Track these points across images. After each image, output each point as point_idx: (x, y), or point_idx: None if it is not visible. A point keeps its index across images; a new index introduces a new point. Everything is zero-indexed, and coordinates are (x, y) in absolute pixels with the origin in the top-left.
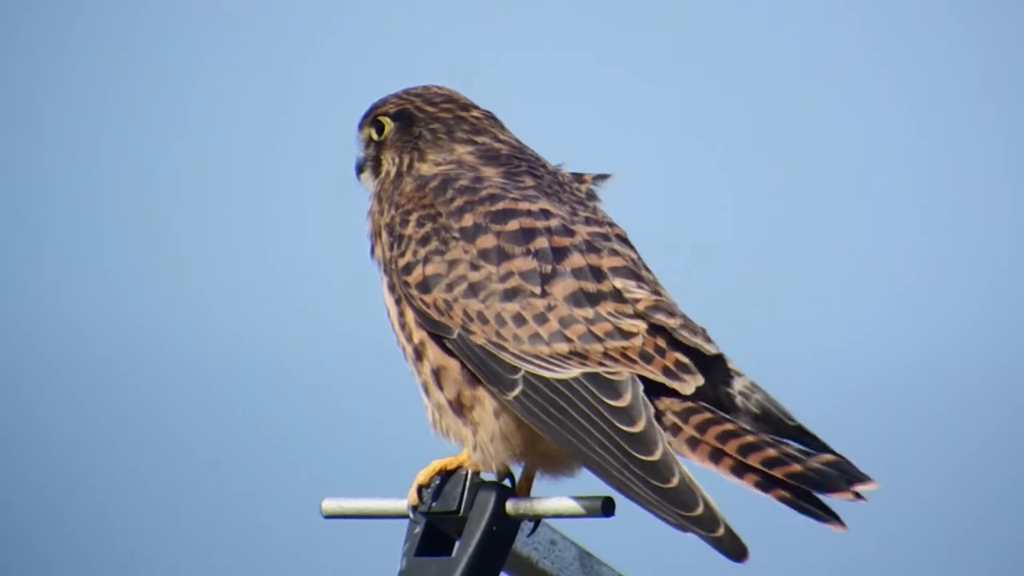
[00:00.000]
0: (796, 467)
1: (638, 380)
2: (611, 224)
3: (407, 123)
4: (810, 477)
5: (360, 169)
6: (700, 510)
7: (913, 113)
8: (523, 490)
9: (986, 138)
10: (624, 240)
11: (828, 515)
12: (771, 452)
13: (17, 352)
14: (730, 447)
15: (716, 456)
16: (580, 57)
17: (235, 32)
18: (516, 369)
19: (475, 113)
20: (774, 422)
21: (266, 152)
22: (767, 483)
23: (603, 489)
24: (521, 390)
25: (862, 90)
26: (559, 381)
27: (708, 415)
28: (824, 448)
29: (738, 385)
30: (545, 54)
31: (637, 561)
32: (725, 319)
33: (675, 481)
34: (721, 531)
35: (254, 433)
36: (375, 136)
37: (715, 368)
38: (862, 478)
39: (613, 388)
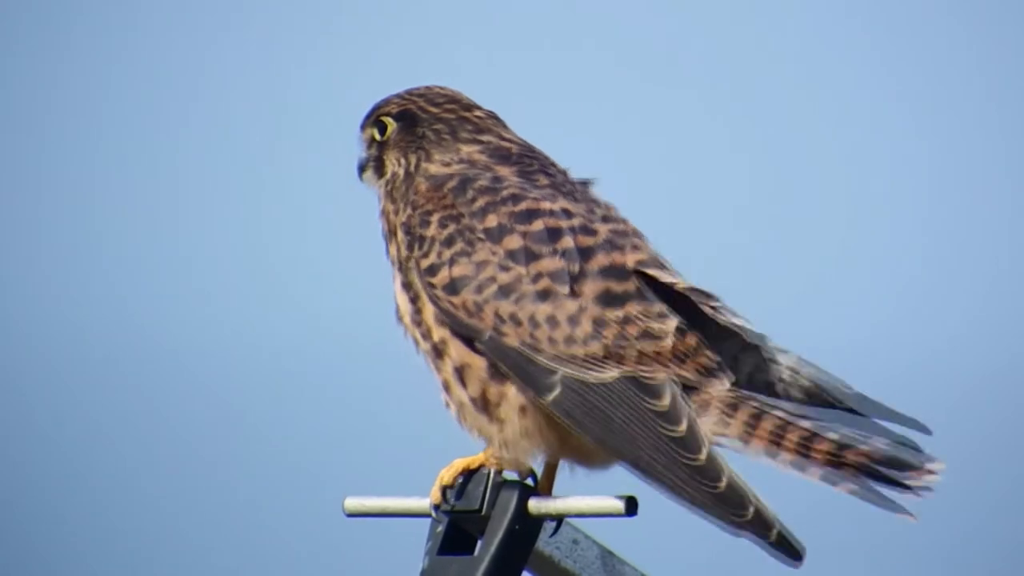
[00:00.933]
0: (864, 450)
1: (675, 381)
2: (625, 221)
3: (410, 123)
4: (876, 459)
5: (362, 169)
6: (751, 512)
7: (916, 113)
8: (544, 489)
9: (987, 138)
10: (640, 236)
11: (894, 505)
12: (832, 438)
13: (17, 352)
14: (789, 438)
15: (772, 451)
16: (579, 57)
17: (235, 31)
18: (553, 372)
19: (478, 113)
20: (831, 395)
21: (267, 152)
22: (834, 475)
23: (627, 487)
24: (560, 392)
25: (864, 90)
26: (599, 384)
27: (754, 408)
28: (890, 413)
29: (785, 361)
30: (545, 54)
31: (660, 560)
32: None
33: (723, 483)
34: (775, 533)
35: (274, 432)
36: (377, 136)
37: (751, 353)
38: (928, 459)
39: (652, 390)
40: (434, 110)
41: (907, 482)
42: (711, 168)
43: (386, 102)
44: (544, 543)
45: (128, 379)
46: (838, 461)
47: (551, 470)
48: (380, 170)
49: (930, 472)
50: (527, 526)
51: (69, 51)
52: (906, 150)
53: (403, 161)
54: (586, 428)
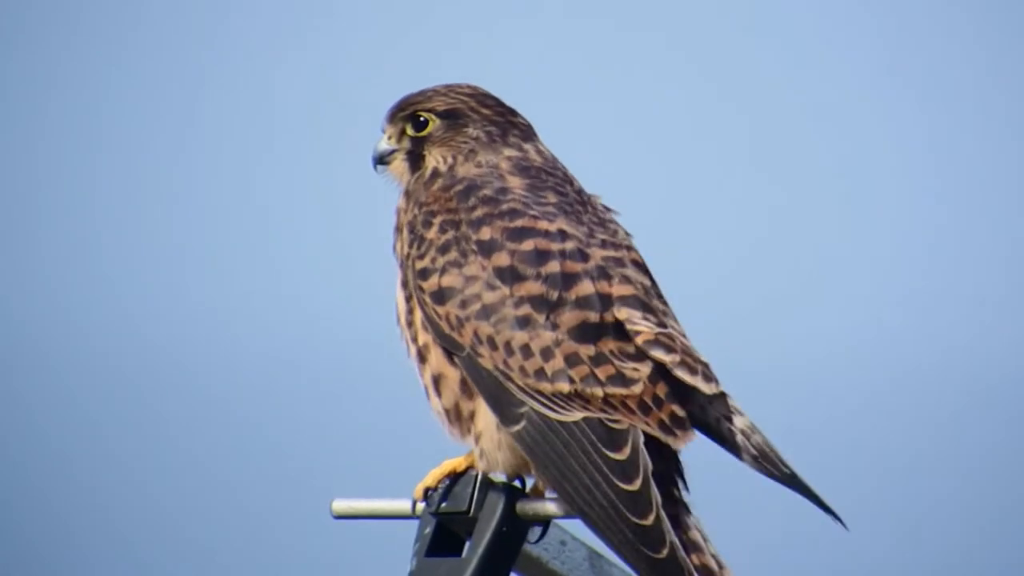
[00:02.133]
0: None
1: (639, 431)
2: (628, 248)
3: (458, 123)
4: None
5: (381, 160)
6: None
7: (919, 116)
8: (538, 491)
9: (987, 137)
10: (639, 265)
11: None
12: None
13: (18, 352)
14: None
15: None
16: (578, 57)
17: (234, 31)
18: (521, 404)
19: (521, 119)
20: (771, 465)
21: (267, 152)
22: None
23: None
24: (524, 426)
25: (868, 92)
26: (561, 423)
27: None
28: (815, 499)
29: (739, 423)
30: (544, 53)
31: None
32: (727, 323)
33: (664, 552)
34: None
35: (263, 433)
36: (411, 131)
37: (718, 404)
38: None
39: (613, 438)
40: (486, 112)
41: None
42: (713, 172)
43: (426, 97)
44: (532, 544)
45: (121, 379)
46: None
47: None
48: (416, 165)
49: None
50: (515, 527)
51: (69, 50)
52: (907, 149)
53: (448, 160)
54: (543, 468)
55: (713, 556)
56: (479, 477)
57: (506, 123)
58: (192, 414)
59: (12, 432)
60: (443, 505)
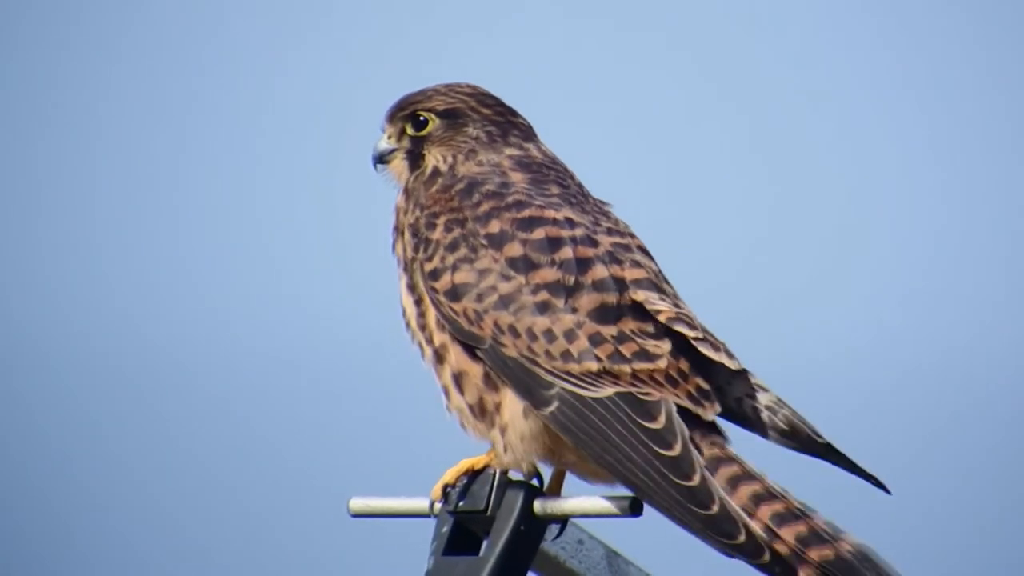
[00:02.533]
0: (828, 552)
1: (670, 402)
2: (632, 235)
3: (458, 122)
4: (839, 564)
5: (381, 159)
6: (743, 537)
7: (920, 116)
8: (554, 490)
9: (987, 137)
10: (645, 251)
11: None
12: (802, 528)
13: (18, 352)
14: (763, 512)
15: (747, 513)
16: (577, 57)
17: (234, 31)
18: (551, 385)
19: (521, 120)
20: (802, 438)
21: (267, 151)
22: (797, 558)
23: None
24: (557, 406)
25: (870, 92)
26: (594, 400)
27: (738, 469)
28: (853, 467)
29: (764, 400)
30: (544, 53)
31: (665, 561)
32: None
33: (715, 508)
34: (767, 557)
35: (283, 433)
36: (411, 131)
37: (739, 382)
38: (889, 573)
39: (647, 409)
40: (486, 112)
41: None
42: (710, 172)
43: (427, 97)
44: (549, 543)
45: (131, 380)
46: (799, 555)
47: (560, 473)
48: (415, 164)
49: None
50: (532, 526)
51: (68, 50)
52: (908, 149)
53: (448, 159)
54: (583, 444)
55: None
56: (497, 476)
57: (506, 123)
58: (205, 415)
59: (12, 432)
60: (461, 504)
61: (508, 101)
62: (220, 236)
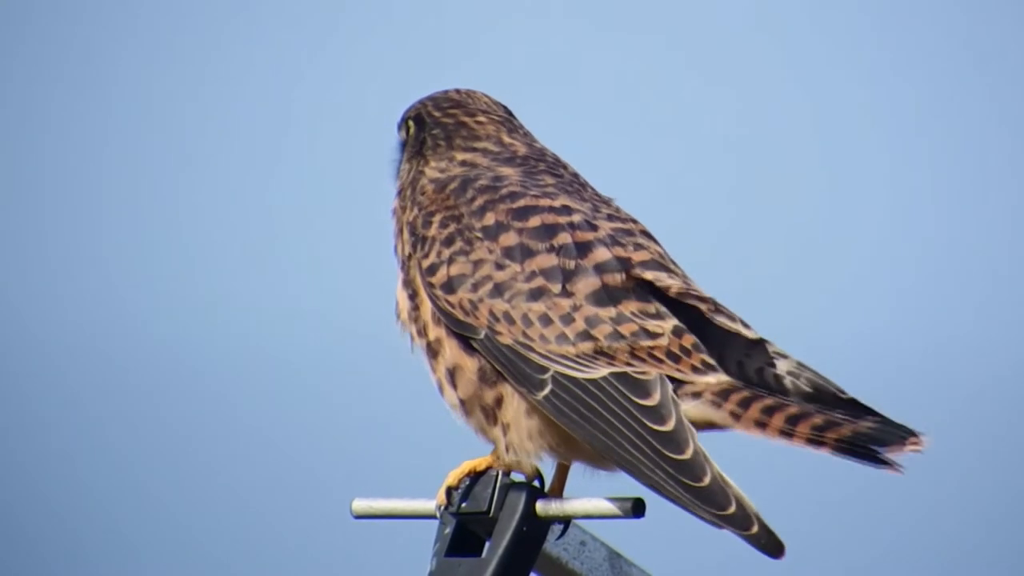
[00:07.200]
0: (846, 429)
1: (666, 379)
2: (634, 221)
3: (419, 128)
4: (862, 435)
5: (399, 164)
6: (733, 508)
7: (917, 112)
8: (556, 491)
9: (988, 137)
10: (648, 235)
11: (882, 462)
12: (817, 419)
13: (18, 352)
14: (776, 419)
15: (762, 426)
16: (576, 53)
17: (241, 31)
18: (544, 369)
19: (479, 119)
20: (827, 399)
21: (271, 152)
22: (818, 442)
23: (635, 489)
24: (550, 390)
25: (869, 91)
26: (588, 381)
27: (747, 393)
28: (883, 420)
29: (784, 367)
30: (544, 53)
31: (667, 562)
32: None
33: (707, 480)
34: (756, 528)
35: (285, 434)
36: (404, 137)
37: (757, 353)
38: (912, 433)
39: (642, 387)
40: (437, 115)
41: (887, 457)
42: (710, 172)
43: (412, 106)
44: (552, 544)
45: (135, 381)
46: (819, 441)
47: (563, 472)
48: (412, 168)
49: (914, 444)
50: (534, 528)
51: (73, 49)
52: (909, 150)
53: (431, 163)
54: (574, 425)
55: None
56: (499, 477)
57: (454, 125)
58: (208, 415)
59: (12, 432)
60: (463, 505)
61: (511, 102)
62: (226, 236)
